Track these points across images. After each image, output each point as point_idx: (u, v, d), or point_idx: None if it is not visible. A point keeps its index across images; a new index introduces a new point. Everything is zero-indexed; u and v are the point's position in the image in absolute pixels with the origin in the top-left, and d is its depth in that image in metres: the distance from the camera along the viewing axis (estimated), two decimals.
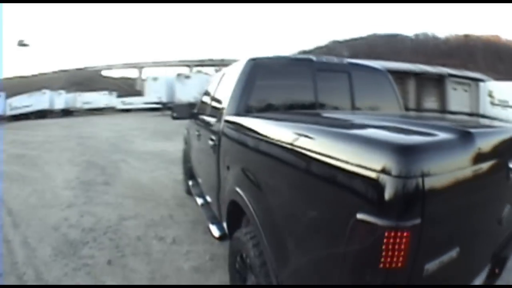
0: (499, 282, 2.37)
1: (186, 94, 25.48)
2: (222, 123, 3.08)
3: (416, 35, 61.25)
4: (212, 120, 3.59)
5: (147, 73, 51.27)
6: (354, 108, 3.62)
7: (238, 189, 2.44)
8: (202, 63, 58.57)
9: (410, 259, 1.26)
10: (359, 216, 1.27)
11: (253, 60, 3.26)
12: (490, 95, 18.68)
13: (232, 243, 2.62)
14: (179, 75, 27.56)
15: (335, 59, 3.74)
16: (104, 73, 60.86)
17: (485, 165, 1.59)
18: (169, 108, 25.76)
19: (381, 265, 1.24)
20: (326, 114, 2.85)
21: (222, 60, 55.57)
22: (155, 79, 27.89)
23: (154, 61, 61.44)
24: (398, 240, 1.21)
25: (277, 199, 1.97)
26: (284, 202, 1.88)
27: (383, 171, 1.21)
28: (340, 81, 3.59)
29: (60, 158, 8.83)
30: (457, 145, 1.45)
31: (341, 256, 1.38)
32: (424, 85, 19.78)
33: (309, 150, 1.62)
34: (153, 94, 26.80)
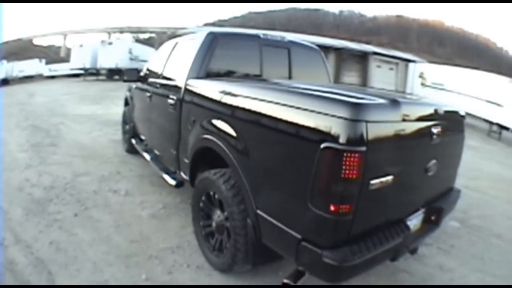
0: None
1: (109, 59, 25.00)
2: (184, 85, 3.49)
3: (341, 11, 60.09)
4: (171, 82, 3.91)
5: (71, 40, 51.14)
6: (291, 78, 4.20)
7: (209, 136, 2.87)
8: (121, 30, 56.53)
9: (360, 173, 1.83)
10: (325, 144, 1.86)
11: (212, 34, 3.63)
12: (421, 76, 18.94)
13: (198, 185, 3.11)
14: (103, 41, 27.02)
15: (278, 37, 4.21)
16: (36, 42, 56.26)
17: (410, 125, 2.18)
18: (91, 74, 26.22)
19: (342, 175, 1.81)
20: (277, 81, 3.39)
21: (139, 28, 54.41)
22: (81, 45, 26.84)
23: (77, 29, 57.99)
24: (352, 159, 1.79)
25: (253, 141, 2.43)
26: (260, 143, 2.37)
27: (343, 117, 1.82)
28: (281, 55, 4.12)
29: (8, 124, 8.79)
30: (389, 107, 2.04)
31: (312, 174, 1.91)
32: (345, 60, 20.18)
33: (278, 104, 2.20)
34: (78, 60, 25.65)
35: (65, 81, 25.31)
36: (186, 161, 3.44)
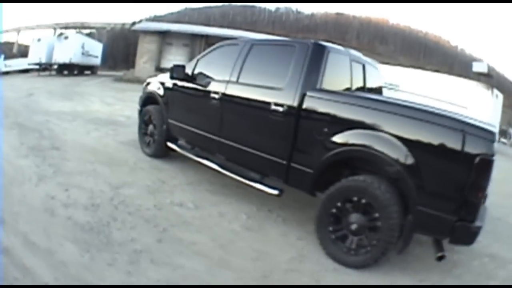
0: None
1: (63, 54, 23.19)
2: (300, 96, 3.37)
3: (277, 8, 59.70)
4: (269, 90, 3.65)
5: (24, 37, 47.95)
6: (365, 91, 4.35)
7: (363, 148, 2.97)
8: (67, 26, 53.19)
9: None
10: (481, 157, 2.55)
11: (322, 46, 3.57)
12: None
13: (333, 193, 3.12)
14: (59, 35, 25.05)
15: (357, 53, 4.37)
16: None
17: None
18: (44, 69, 24.13)
19: (487, 175, 2.65)
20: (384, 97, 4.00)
21: (82, 23, 51.94)
22: (39, 40, 24.53)
23: (28, 25, 53.85)
24: (491, 165, 2.62)
25: (423, 156, 2.80)
26: (429, 158, 2.78)
27: (491, 140, 2.61)
28: (360, 71, 4.25)
29: None
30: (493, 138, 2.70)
31: (470, 177, 2.57)
32: None
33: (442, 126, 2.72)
34: (35, 55, 23.46)
35: (21, 77, 22.08)
36: (308, 170, 3.32)
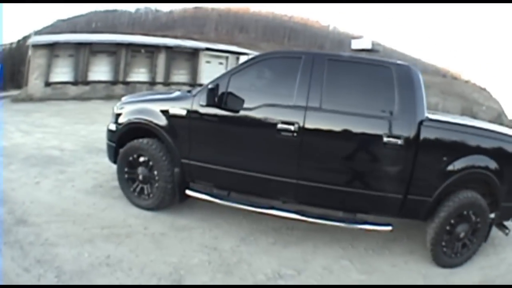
0: None
1: None
2: (417, 125, 3.05)
3: (137, 9, 57.28)
4: (375, 121, 3.12)
5: None
6: None
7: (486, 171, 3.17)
8: None
9: None
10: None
11: (413, 68, 3.31)
12: None
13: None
14: None
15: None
16: None
17: None
18: None
19: None
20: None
21: None
22: None
23: None
24: None
25: None
26: None
27: None
28: None
29: None
30: None
31: None
32: (176, 58, 18.94)
33: None
34: None
35: None
36: (426, 199, 3.13)
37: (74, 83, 13.96)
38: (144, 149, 3.65)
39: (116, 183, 3.92)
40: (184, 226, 3.48)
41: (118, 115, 3.92)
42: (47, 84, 12.89)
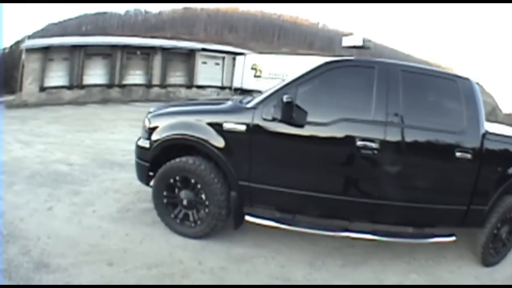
0: None
1: None
2: (481, 137, 3.12)
3: (127, 11, 56.70)
4: (449, 136, 3.12)
5: None
6: None
7: None
8: None
9: None
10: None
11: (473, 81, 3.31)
12: (255, 68, 17.14)
13: None
14: None
15: None
16: None
17: None
18: None
19: None
20: None
21: None
22: None
23: None
24: None
25: None
26: None
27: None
28: None
29: None
30: None
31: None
32: (172, 60, 18.39)
33: None
34: None
35: None
36: (483, 208, 3.21)
37: (69, 87, 13.49)
38: (190, 170, 3.16)
39: (144, 204, 3.55)
40: (243, 256, 3.10)
41: (152, 129, 3.37)
42: (42, 89, 12.56)
